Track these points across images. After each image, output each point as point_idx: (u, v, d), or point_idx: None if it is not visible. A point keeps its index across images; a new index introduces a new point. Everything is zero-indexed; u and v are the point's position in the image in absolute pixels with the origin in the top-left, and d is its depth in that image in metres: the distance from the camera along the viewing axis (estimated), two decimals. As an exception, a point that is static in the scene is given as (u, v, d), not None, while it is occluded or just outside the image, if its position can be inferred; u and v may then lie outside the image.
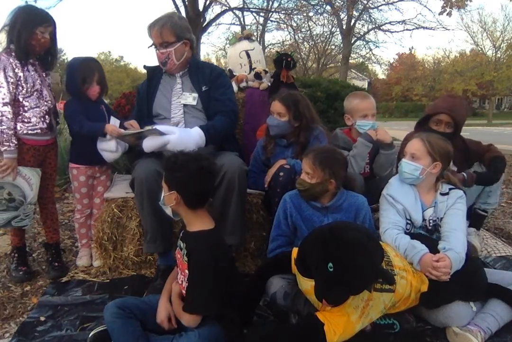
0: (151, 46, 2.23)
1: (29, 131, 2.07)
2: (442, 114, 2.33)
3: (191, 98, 2.21)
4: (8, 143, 1.98)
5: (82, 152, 2.30)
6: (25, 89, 2.05)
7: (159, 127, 2.00)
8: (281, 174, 2.07)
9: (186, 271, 1.49)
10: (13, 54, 2.03)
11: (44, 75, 2.18)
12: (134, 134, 2.06)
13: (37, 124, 2.09)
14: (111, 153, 2.23)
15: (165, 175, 1.52)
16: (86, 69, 2.22)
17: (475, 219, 2.53)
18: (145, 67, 2.39)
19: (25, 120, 2.06)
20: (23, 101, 2.05)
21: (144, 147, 2.01)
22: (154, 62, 2.36)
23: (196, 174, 1.45)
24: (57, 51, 2.22)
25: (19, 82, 2.03)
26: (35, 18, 2.03)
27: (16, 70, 2.02)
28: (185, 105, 2.21)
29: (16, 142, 2.01)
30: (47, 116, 2.13)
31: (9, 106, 1.99)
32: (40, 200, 2.26)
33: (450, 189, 1.90)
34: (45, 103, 2.13)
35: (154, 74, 2.33)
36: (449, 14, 7.63)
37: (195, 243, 1.49)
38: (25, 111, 2.06)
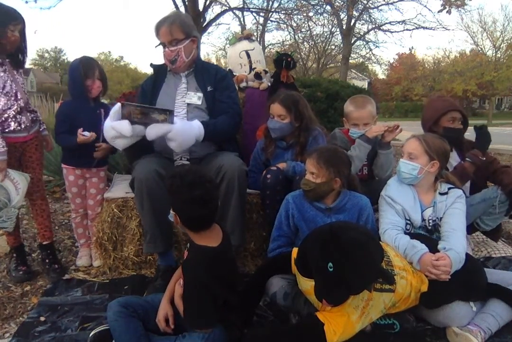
0: (158, 45, 2.22)
1: (1, 130, 2.03)
2: (454, 112, 2.36)
3: (196, 97, 2.21)
4: None
5: (70, 154, 2.31)
6: None
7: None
8: (268, 176, 2.09)
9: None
10: None
11: (16, 74, 2.13)
12: (141, 108, 1.95)
13: (9, 125, 2.06)
14: (123, 140, 2.02)
15: (167, 195, 1.50)
16: (87, 65, 2.24)
17: (469, 228, 2.50)
18: (151, 65, 2.38)
19: None
20: None
21: (147, 135, 1.95)
22: (154, 62, 2.38)
23: (189, 203, 1.40)
24: (27, 48, 2.17)
25: None
26: (4, 17, 1.98)
27: None
28: (188, 104, 2.21)
29: (5, 144, 1.98)
30: (18, 116, 2.09)
31: None
32: (28, 196, 2.23)
33: (449, 188, 1.90)
34: (17, 103, 2.09)
35: (159, 72, 2.32)
36: (449, 12, 7.58)
37: (190, 258, 1.48)
38: None
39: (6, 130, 2.06)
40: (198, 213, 1.43)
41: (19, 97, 2.10)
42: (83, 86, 2.23)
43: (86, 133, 2.17)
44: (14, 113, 2.07)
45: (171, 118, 1.94)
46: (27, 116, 2.16)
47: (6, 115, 2.05)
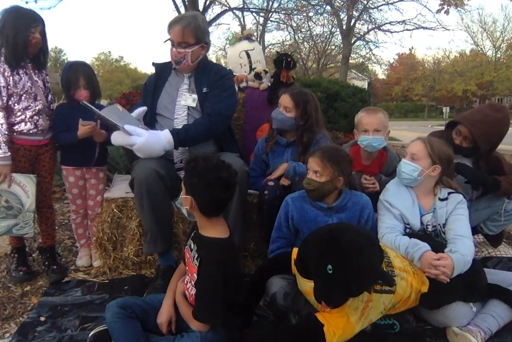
0: (166, 41, 2.20)
1: (16, 131, 2.06)
2: (462, 126, 2.21)
3: (191, 99, 2.19)
4: None
5: (69, 154, 2.31)
6: (14, 93, 2.03)
7: (128, 127, 1.96)
8: (266, 192, 2.08)
9: (195, 275, 1.49)
10: (2, 58, 2.00)
11: (36, 77, 2.14)
12: (101, 116, 1.97)
13: (24, 125, 2.07)
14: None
15: (184, 177, 1.51)
16: (70, 74, 2.24)
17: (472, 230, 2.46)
18: (153, 64, 2.35)
19: (13, 121, 2.05)
20: (12, 105, 2.04)
21: (111, 140, 2.03)
22: (155, 61, 2.36)
23: (212, 184, 1.42)
24: (48, 49, 2.20)
25: (9, 87, 2.01)
26: (25, 20, 2.00)
27: (6, 74, 2.00)
28: (189, 106, 2.19)
29: (7, 149, 1.98)
30: (35, 117, 2.10)
31: (0, 112, 1.97)
32: (36, 204, 2.24)
33: (449, 194, 1.89)
34: (35, 104, 2.10)
35: (162, 71, 2.30)
36: (447, 12, 7.62)
37: (208, 251, 1.47)
38: (14, 114, 2.05)
39: (24, 131, 2.08)
40: (220, 196, 1.45)
41: (38, 99, 2.12)
42: (68, 94, 2.26)
43: (86, 122, 2.16)
44: (31, 114, 2.09)
45: (126, 131, 1.96)
46: (44, 119, 2.17)
47: (23, 116, 2.07)
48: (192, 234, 1.60)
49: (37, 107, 2.11)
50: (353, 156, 2.21)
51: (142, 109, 2.17)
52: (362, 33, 18.04)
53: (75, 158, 2.30)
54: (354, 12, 14.21)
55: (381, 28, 16.71)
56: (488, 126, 2.13)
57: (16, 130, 2.06)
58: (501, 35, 26.89)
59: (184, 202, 1.50)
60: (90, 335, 1.53)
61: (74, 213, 2.42)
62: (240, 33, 4.09)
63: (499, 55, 27.10)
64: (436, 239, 1.85)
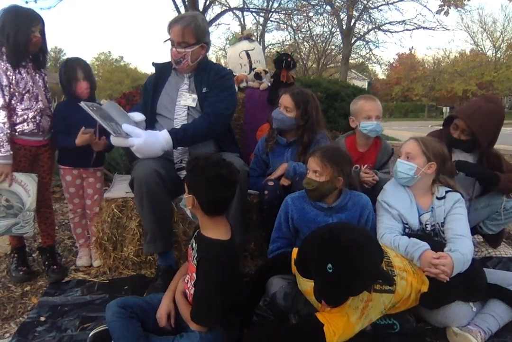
0: (166, 40, 2.20)
1: (18, 131, 2.06)
2: (459, 119, 2.23)
3: (190, 99, 2.19)
4: (0, 149, 1.96)
5: (67, 155, 2.31)
6: (16, 92, 2.03)
7: (127, 127, 1.97)
8: (266, 192, 2.09)
9: (194, 275, 1.49)
10: (4, 57, 2.01)
11: (37, 76, 2.15)
12: (99, 121, 1.96)
13: (27, 125, 2.08)
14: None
15: (185, 176, 1.52)
16: (68, 68, 2.25)
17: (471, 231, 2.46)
18: (153, 64, 2.36)
19: (15, 121, 2.05)
20: (14, 105, 2.04)
21: (111, 141, 2.04)
22: (154, 61, 2.36)
23: (213, 182, 1.41)
24: (47, 49, 2.21)
25: (11, 86, 2.01)
26: (25, 19, 2.01)
27: (8, 73, 2.00)
28: (189, 107, 2.19)
29: (9, 148, 1.98)
30: (37, 117, 2.11)
31: (2, 111, 1.98)
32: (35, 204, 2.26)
33: (446, 192, 1.89)
34: (37, 104, 2.11)
35: (162, 71, 2.31)
36: (446, 13, 7.64)
37: (207, 252, 1.47)
38: (16, 114, 2.05)
39: (26, 131, 2.08)
40: (221, 194, 1.45)
41: (39, 99, 2.13)
42: (69, 90, 2.26)
43: (88, 130, 2.16)
44: (33, 114, 2.10)
45: (124, 133, 1.97)
46: (45, 119, 2.18)
47: (25, 116, 2.07)
48: (195, 233, 1.61)
49: (38, 107, 2.12)
50: (349, 147, 2.30)
51: (140, 117, 2.16)
52: (362, 33, 18.07)
53: (73, 159, 2.30)
54: (354, 12, 14.23)
55: (381, 28, 16.74)
56: (483, 117, 2.15)
57: (17, 130, 2.06)
58: (501, 35, 26.94)
59: (188, 202, 1.50)
60: (90, 335, 1.53)
61: (72, 212, 2.42)
62: (240, 33, 4.09)
63: (499, 55, 27.12)
64: (435, 239, 1.86)
